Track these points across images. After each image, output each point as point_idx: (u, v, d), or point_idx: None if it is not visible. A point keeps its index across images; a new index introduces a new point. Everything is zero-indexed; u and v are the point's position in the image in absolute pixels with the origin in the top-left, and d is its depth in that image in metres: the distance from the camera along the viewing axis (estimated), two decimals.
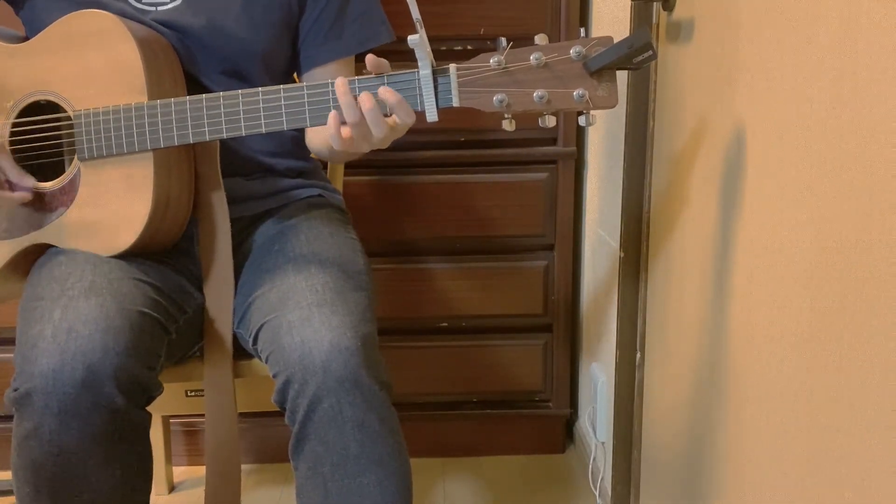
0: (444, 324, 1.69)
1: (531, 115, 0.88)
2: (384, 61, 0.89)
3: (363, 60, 0.90)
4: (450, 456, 1.78)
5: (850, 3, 0.65)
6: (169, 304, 1.01)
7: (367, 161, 1.47)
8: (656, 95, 1.17)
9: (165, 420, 1.64)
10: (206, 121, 0.95)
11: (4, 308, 1.58)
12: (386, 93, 0.88)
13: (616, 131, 1.40)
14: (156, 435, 1.58)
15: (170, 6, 1.06)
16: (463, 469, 1.73)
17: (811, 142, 0.72)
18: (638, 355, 1.26)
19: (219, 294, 1.07)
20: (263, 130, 0.93)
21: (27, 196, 1.00)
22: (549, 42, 0.86)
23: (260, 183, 1.17)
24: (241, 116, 0.93)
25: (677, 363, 1.11)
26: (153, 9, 1.06)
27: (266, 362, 0.99)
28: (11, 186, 1.00)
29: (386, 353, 1.01)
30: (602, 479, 1.57)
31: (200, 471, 1.74)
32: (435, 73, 0.88)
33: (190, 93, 1.04)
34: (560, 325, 1.69)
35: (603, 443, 1.57)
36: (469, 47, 1.56)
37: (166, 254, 1.08)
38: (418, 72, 0.88)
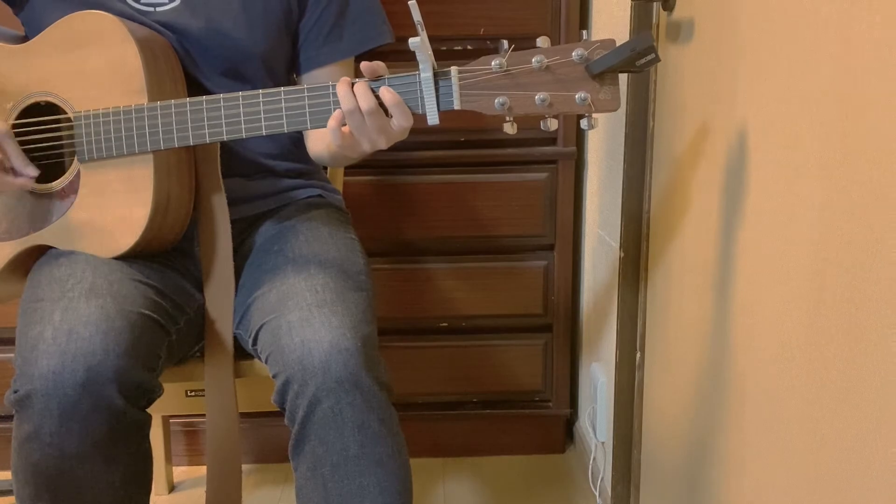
0: (444, 324, 1.68)
1: (533, 118, 0.88)
2: (380, 64, 0.89)
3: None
4: (450, 456, 1.78)
5: (850, 3, 0.65)
6: (169, 306, 1.01)
7: (367, 161, 1.47)
8: (656, 95, 1.17)
9: (165, 420, 1.63)
10: (206, 123, 0.94)
11: (4, 308, 1.58)
12: (386, 93, 0.88)
13: (616, 131, 1.39)
14: (156, 435, 1.58)
15: (168, 7, 1.06)
16: (463, 469, 1.73)
17: (812, 141, 0.72)
18: (638, 355, 1.26)
19: (219, 295, 1.07)
20: (264, 133, 0.93)
21: (29, 183, 0.99)
22: (551, 44, 0.85)
23: (260, 183, 1.17)
24: (242, 118, 0.93)
25: (677, 363, 1.11)
26: (152, 10, 1.05)
27: (266, 363, 0.99)
28: (15, 174, 1.00)
29: (386, 353, 1.01)
30: (602, 479, 1.57)
31: (200, 471, 1.74)
32: (436, 75, 0.87)
33: (190, 94, 1.04)
34: (560, 326, 1.69)
35: (603, 443, 1.57)
36: (469, 47, 1.55)
37: (166, 255, 1.08)
38: (419, 74, 0.87)
